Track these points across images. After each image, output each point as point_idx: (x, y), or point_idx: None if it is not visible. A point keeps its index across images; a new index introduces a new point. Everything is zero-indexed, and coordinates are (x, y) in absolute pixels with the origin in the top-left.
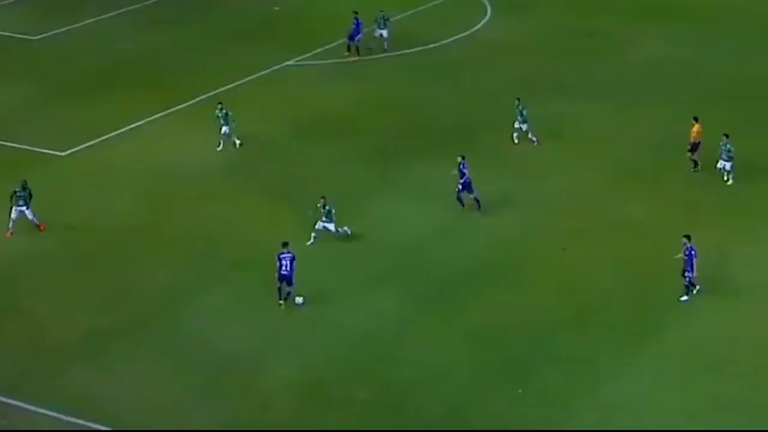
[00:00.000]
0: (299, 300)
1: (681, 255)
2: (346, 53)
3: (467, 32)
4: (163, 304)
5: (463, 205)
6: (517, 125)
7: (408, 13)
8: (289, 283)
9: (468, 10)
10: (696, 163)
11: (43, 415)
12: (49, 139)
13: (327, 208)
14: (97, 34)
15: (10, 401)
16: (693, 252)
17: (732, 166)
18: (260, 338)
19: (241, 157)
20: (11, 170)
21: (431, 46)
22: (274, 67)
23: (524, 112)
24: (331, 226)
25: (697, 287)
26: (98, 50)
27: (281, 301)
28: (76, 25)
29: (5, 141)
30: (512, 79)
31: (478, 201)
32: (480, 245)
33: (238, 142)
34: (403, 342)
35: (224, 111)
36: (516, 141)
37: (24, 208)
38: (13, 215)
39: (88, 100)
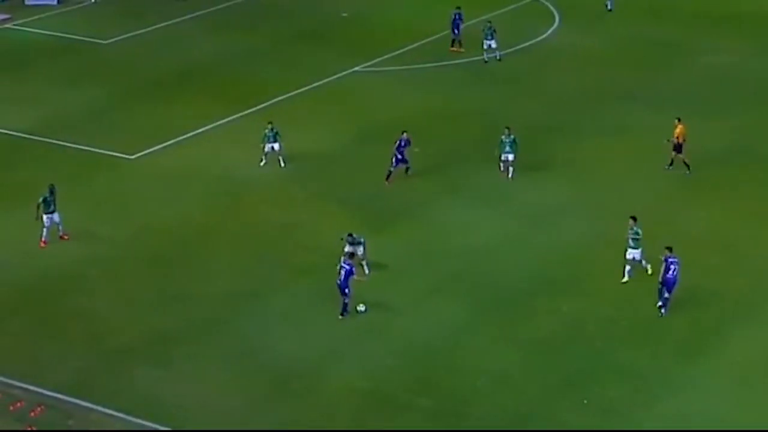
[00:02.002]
0: (361, 308)
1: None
2: (452, 49)
3: (535, 40)
4: (227, 307)
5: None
6: (503, 157)
7: (475, 20)
8: (343, 294)
9: (536, 18)
10: (688, 166)
11: (108, 415)
12: (118, 142)
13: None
14: (166, 39)
15: (76, 401)
16: (670, 263)
17: None
18: (323, 344)
19: (306, 162)
20: (80, 172)
21: (498, 53)
22: (342, 73)
23: (516, 142)
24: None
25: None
26: (167, 55)
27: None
28: (146, 29)
29: (75, 143)
30: (579, 87)
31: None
32: (543, 254)
33: (283, 164)
34: (466, 350)
35: (274, 131)
36: (506, 173)
37: (53, 214)
38: (46, 223)
39: (157, 104)
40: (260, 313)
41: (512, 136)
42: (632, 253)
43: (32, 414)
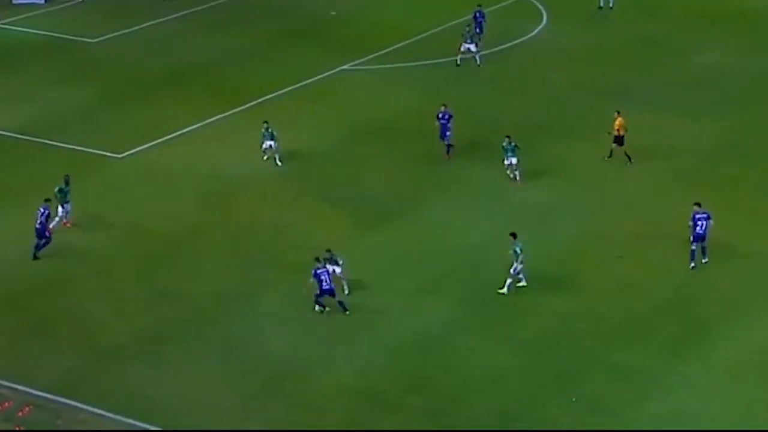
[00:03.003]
0: (318, 309)
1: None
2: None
3: (523, 38)
4: (218, 306)
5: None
6: (506, 162)
7: (463, 19)
8: (333, 296)
9: (523, 16)
10: (629, 157)
11: (98, 415)
12: (106, 141)
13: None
14: (155, 38)
15: (65, 401)
16: (698, 218)
17: None
18: (314, 343)
19: (296, 161)
20: (68, 171)
21: (486, 51)
22: (330, 72)
23: (518, 146)
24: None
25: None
26: (155, 54)
27: (321, 309)
28: (134, 28)
29: (63, 142)
30: (569, 85)
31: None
32: (535, 252)
33: (279, 163)
34: (458, 348)
35: (270, 130)
36: (513, 177)
37: (66, 204)
38: (61, 212)
39: (145, 103)
40: (251, 313)
41: (513, 143)
42: (516, 267)
43: (20, 414)
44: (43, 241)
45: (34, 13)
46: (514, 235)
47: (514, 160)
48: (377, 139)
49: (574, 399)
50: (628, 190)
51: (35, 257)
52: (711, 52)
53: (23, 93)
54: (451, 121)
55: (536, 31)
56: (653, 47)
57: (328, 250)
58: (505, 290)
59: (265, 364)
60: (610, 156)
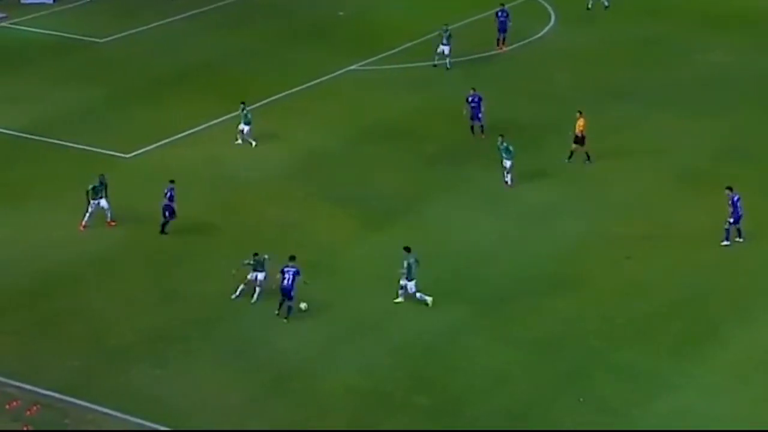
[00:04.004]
0: (303, 306)
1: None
2: (498, 48)
3: (530, 39)
4: (224, 306)
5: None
6: (504, 163)
7: (471, 19)
8: (289, 298)
9: (532, 17)
10: (588, 157)
11: (105, 414)
12: (114, 140)
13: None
14: (162, 38)
15: (73, 400)
16: (737, 200)
17: None
18: (320, 342)
19: (302, 161)
20: (76, 171)
21: (494, 52)
22: (338, 72)
23: (510, 149)
24: (262, 276)
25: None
26: (163, 54)
27: (277, 312)
28: (142, 28)
29: (71, 142)
30: (575, 86)
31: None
32: (541, 252)
33: (254, 143)
34: (463, 348)
35: (245, 111)
36: (508, 182)
37: (102, 199)
38: (91, 209)
39: (153, 103)
40: (257, 312)
41: (505, 144)
42: (406, 284)
43: (28, 413)
44: (170, 218)
45: (43, 12)
46: (408, 249)
47: (507, 164)
48: (384, 140)
49: (581, 399)
50: (632, 190)
51: (163, 232)
52: (713, 52)
53: (31, 93)
54: (482, 103)
55: (544, 31)
56: (658, 47)
57: (255, 254)
58: (400, 299)
59: (271, 363)
60: (570, 157)
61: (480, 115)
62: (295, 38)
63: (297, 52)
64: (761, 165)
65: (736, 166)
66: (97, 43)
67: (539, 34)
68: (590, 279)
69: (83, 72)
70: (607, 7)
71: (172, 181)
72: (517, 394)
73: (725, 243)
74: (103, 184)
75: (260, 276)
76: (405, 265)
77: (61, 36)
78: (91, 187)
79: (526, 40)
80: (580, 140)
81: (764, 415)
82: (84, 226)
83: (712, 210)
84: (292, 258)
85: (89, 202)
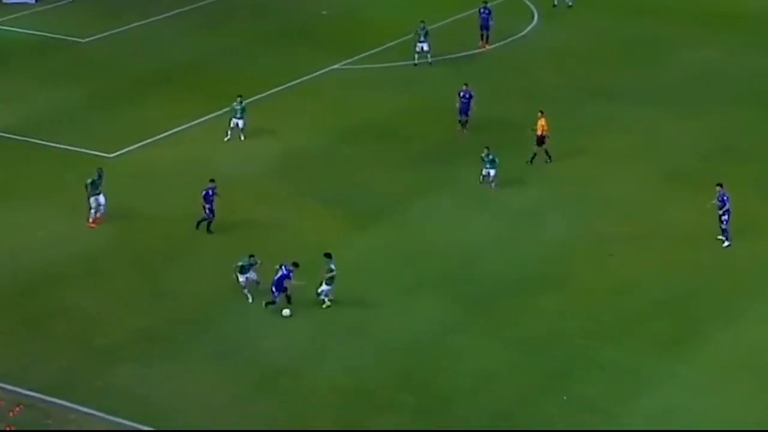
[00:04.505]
0: (286, 312)
1: (715, 202)
2: (480, 46)
3: (514, 37)
4: (210, 305)
5: None
6: (484, 171)
7: (454, 18)
8: (273, 293)
9: (515, 15)
10: (549, 156)
11: (89, 415)
12: (97, 140)
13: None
14: (145, 38)
15: (56, 401)
16: (726, 198)
17: None
18: (306, 342)
19: (287, 161)
20: (59, 171)
21: (477, 50)
22: (321, 71)
23: (495, 160)
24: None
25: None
26: (146, 53)
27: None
28: (124, 28)
29: (54, 142)
30: (560, 84)
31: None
32: (527, 251)
33: (243, 137)
34: (449, 348)
35: (243, 104)
36: (489, 185)
37: (100, 195)
38: (93, 203)
39: (136, 103)
40: (243, 312)
41: (491, 156)
42: (324, 289)
43: (11, 414)
44: (210, 216)
45: (25, 12)
46: (329, 255)
47: (492, 172)
48: (368, 139)
49: (564, 397)
50: (619, 190)
51: (209, 231)
52: (700, 50)
53: (14, 93)
54: (472, 100)
55: (527, 30)
56: (645, 45)
57: (251, 255)
58: (327, 303)
59: (258, 363)
60: (532, 159)
61: (468, 111)
62: (278, 37)
63: (280, 51)
64: (750, 164)
65: (724, 165)
66: (80, 42)
67: (522, 33)
68: (577, 278)
69: (66, 72)
70: (570, 6)
71: (212, 180)
72: (504, 393)
73: (726, 244)
74: (101, 178)
75: (251, 277)
76: (328, 269)
77: (43, 36)
78: (89, 181)
79: (510, 39)
80: (540, 140)
81: (749, 413)
82: (94, 222)
83: (698, 209)
84: (296, 264)
85: (89, 198)
